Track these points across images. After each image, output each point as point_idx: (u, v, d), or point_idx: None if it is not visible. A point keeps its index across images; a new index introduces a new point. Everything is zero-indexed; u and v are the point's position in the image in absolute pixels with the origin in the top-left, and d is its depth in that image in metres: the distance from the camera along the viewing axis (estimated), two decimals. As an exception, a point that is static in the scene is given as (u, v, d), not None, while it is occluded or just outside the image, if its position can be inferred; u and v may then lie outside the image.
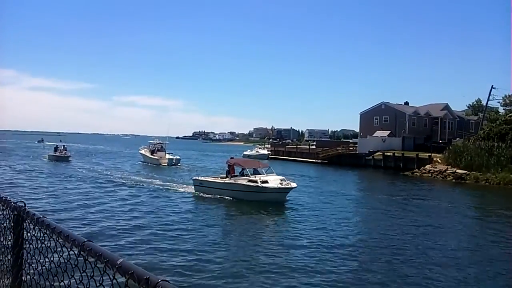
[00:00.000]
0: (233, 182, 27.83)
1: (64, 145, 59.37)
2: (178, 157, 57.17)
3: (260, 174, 27.70)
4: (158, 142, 62.01)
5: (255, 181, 26.49)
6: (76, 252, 2.28)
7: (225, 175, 29.60)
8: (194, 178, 31.62)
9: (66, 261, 2.46)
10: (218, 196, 27.64)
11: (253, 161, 33.00)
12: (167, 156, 56.20)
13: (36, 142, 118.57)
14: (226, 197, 27.29)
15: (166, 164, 54.30)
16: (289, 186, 26.65)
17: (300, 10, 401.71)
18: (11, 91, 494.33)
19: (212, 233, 18.68)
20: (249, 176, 27.42)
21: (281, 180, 26.81)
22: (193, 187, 30.40)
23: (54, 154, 56.41)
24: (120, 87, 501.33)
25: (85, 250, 2.15)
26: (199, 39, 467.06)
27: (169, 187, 32.35)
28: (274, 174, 28.21)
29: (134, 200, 26.77)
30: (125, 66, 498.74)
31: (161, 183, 34.49)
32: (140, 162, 59.79)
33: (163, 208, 24.11)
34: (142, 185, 33.86)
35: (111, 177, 39.15)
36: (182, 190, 31.08)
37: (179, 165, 55.18)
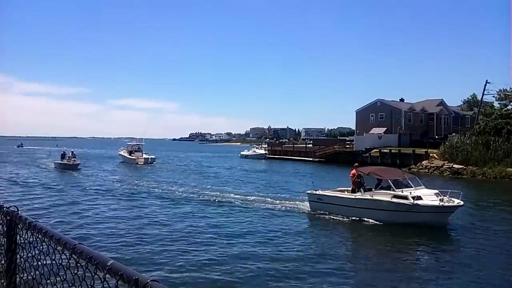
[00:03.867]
0: (369, 198, 20.97)
1: (72, 151, 53.17)
2: (153, 157, 62.67)
3: (404, 187, 20.83)
4: (135, 143, 66.61)
5: (405, 197, 19.77)
6: (67, 255, 2.31)
7: (353, 189, 22.38)
8: (309, 192, 23.87)
9: (58, 264, 2.48)
10: (346, 217, 21.18)
11: (395, 170, 24.44)
12: (144, 156, 61.56)
13: (16, 147, 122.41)
14: (357, 218, 20.83)
15: (142, 163, 59.73)
16: (453, 204, 19.65)
17: (293, 11, 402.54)
18: (1, 97, 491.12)
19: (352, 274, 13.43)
20: (392, 190, 20.40)
21: (437, 195, 19.93)
22: (307, 203, 23.59)
23: (61, 161, 49.18)
24: (114, 91, 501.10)
25: (76, 253, 2.18)
26: (194, 41, 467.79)
27: (268, 204, 25.13)
28: (423, 187, 21.34)
29: (221, 219, 21.10)
30: (119, 69, 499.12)
31: (260, 199, 26.70)
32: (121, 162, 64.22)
33: (267, 233, 18.17)
34: (219, 200, 26.65)
35: (168, 191, 31.11)
36: (287, 206, 24.37)
37: (154, 164, 60.69)
